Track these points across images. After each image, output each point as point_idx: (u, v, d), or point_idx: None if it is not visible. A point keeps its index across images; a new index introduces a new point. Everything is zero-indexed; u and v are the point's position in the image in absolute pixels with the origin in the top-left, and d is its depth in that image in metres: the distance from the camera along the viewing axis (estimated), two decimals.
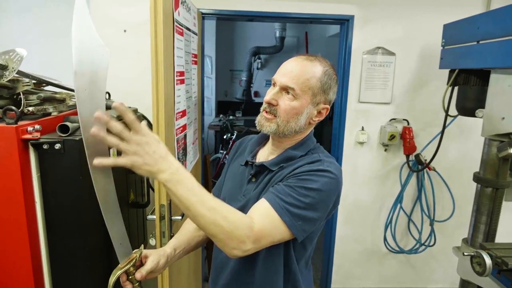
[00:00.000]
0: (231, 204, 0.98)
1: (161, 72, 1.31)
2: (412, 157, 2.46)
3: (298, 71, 0.95)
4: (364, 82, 2.38)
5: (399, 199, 2.53)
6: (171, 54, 1.45)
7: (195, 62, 2.00)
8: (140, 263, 0.94)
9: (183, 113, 1.68)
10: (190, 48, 1.83)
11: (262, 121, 0.98)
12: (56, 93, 1.32)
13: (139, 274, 0.90)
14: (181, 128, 1.65)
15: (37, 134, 1.12)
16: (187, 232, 1.13)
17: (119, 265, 0.88)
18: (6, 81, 1.13)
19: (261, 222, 0.85)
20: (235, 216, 0.82)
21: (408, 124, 2.44)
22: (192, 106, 1.90)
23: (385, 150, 2.48)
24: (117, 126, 0.70)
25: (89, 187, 1.21)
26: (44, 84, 1.46)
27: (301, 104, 0.95)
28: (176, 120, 1.55)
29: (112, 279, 0.85)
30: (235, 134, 4.18)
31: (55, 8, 2.22)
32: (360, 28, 2.31)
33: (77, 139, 1.15)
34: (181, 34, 1.59)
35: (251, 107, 5.81)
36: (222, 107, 5.98)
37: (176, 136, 1.56)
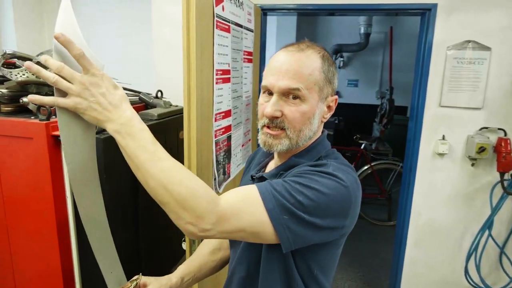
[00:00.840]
0: None
1: (193, 71, 1.24)
2: (508, 176, 2.00)
3: (297, 66, 0.76)
4: (448, 83, 2.00)
5: (487, 224, 2.08)
6: (210, 52, 1.37)
7: (249, 60, 1.91)
8: None
9: (227, 114, 1.59)
10: (241, 45, 1.74)
11: (269, 141, 0.79)
12: None
13: None
14: (223, 130, 1.57)
15: None
16: (199, 256, 1.03)
17: None
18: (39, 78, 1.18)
19: (232, 199, 0.70)
20: (196, 183, 0.66)
21: (505, 135, 1.99)
22: (241, 106, 1.82)
23: (472, 164, 2.06)
24: (55, 62, 0.62)
25: (113, 185, 1.22)
26: None
27: (311, 105, 0.77)
28: (216, 121, 1.47)
29: None
30: None
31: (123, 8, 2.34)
32: (445, 19, 1.94)
33: (102, 137, 1.15)
34: (226, 30, 1.51)
35: None
36: None
37: (216, 137, 1.49)
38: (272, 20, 5.47)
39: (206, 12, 1.30)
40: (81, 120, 0.67)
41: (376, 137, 4.63)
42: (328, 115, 0.84)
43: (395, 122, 4.62)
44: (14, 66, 1.22)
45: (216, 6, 1.38)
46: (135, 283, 0.84)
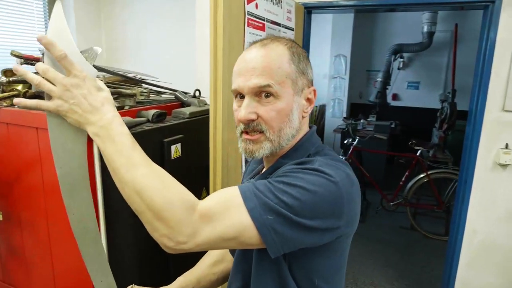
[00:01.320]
0: None
1: (220, 69, 1.24)
2: None
3: (264, 62, 0.71)
4: None
5: None
6: (240, 50, 1.35)
7: None
8: None
9: None
10: None
11: (250, 147, 0.73)
12: (128, 88, 1.39)
13: None
14: None
15: None
16: (199, 268, 0.99)
17: None
18: None
19: (209, 203, 0.65)
20: (172, 191, 0.63)
21: None
22: None
23: None
24: (41, 65, 0.63)
25: None
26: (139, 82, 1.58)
27: (287, 101, 0.72)
28: None
29: None
30: (356, 139, 3.81)
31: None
32: (510, 14, 1.71)
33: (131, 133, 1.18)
34: (260, 28, 1.48)
35: (386, 111, 5.25)
36: (356, 110, 5.61)
37: None
38: (326, 20, 5.34)
39: (235, 10, 1.28)
40: (70, 124, 0.68)
41: (434, 143, 4.27)
42: (309, 109, 0.78)
43: (457, 128, 4.23)
44: (37, 61, 1.30)
45: (248, 4, 1.36)
46: None
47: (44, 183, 1.32)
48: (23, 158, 1.33)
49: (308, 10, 2.10)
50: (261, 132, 0.72)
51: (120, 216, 1.25)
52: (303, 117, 0.77)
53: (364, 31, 5.48)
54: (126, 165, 0.63)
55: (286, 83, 0.72)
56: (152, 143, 1.30)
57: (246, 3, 1.34)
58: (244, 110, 0.72)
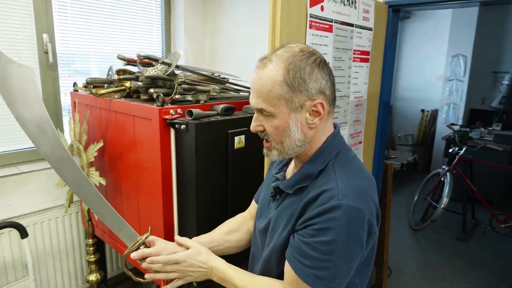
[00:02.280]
0: (259, 220, 0.99)
1: None
2: None
3: (258, 85, 0.81)
4: None
5: None
6: None
7: (363, 60, 1.84)
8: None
9: None
10: (351, 44, 1.71)
11: (265, 151, 0.89)
12: (202, 85, 1.62)
13: (135, 254, 0.95)
14: None
15: (177, 116, 1.45)
16: (214, 232, 1.13)
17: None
18: (167, 75, 1.51)
19: None
20: None
21: None
22: (346, 106, 1.79)
23: None
24: (156, 266, 0.93)
25: (202, 163, 1.44)
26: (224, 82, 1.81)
27: (282, 119, 0.81)
28: None
29: (123, 261, 1.01)
30: (464, 148, 3.40)
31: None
32: None
33: (195, 123, 1.39)
34: (326, 29, 1.54)
35: None
36: (476, 116, 4.95)
37: None
38: (442, 16, 4.86)
39: (295, 13, 1.37)
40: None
41: None
42: (316, 120, 0.82)
43: None
44: (151, 65, 1.61)
45: (311, 6, 1.43)
46: (145, 236, 0.99)
47: (136, 162, 1.64)
48: (125, 140, 1.68)
49: (395, 9, 2.03)
50: (270, 140, 0.86)
51: (189, 193, 1.48)
52: (310, 128, 0.83)
53: (492, 27, 4.80)
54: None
55: (279, 104, 0.79)
56: (218, 133, 1.49)
57: (308, 6, 1.42)
58: (253, 123, 0.86)
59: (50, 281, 2.16)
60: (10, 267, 1.96)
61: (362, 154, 2.03)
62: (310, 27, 1.45)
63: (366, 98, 1.95)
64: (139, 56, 1.55)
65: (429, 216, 3.52)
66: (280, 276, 0.88)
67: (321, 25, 1.50)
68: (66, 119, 2.22)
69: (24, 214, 2.02)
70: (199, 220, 1.47)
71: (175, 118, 1.44)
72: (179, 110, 1.46)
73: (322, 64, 0.81)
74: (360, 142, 1.99)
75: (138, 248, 0.98)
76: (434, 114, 5.35)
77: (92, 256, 1.96)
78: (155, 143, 1.46)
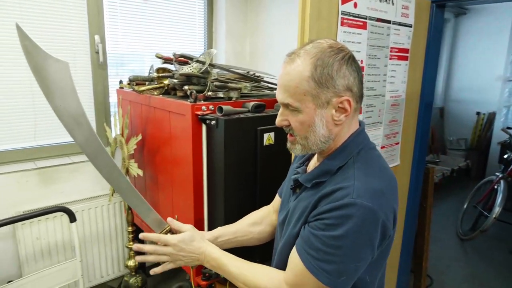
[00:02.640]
0: (280, 213, 1.01)
1: None
2: None
3: (285, 80, 0.81)
4: None
5: None
6: None
7: (401, 57, 1.78)
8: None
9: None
10: (387, 41, 1.67)
11: (289, 145, 0.90)
12: (234, 83, 1.66)
13: (142, 235, 1.00)
14: None
15: (208, 112, 1.51)
16: (238, 224, 1.16)
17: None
18: (200, 73, 1.58)
19: (295, 282, 0.83)
20: (263, 281, 0.87)
21: None
22: (382, 105, 1.73)
23: None
24: (150, 248, 0.96)
25: (230, 158, 1.49)
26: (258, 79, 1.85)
27: (308, 114, 0.81)
28: None
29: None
30: None
31: None
32: None
33: (226, 119, 1.43)
34: (359, 27, 1.51)
35: None
36: None
37: None
38: (502, 10, 4.50)
39: (326, 11, 1.37)
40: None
41: None
42: (342, 116, 0.81)
43: None
44: (187, 63, 1.68)
45: (343, 4, 1.42)
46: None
47: (171, 155, 1.72)
48: (162, 134, 1.78)
49: (439, 4, 1.93)
50: (295, 135, 0.86)
51: (218, 187, 1.53)
52: (336, 125, 0.82)
53: None
54: (227, 275, 0.94)
55: (305, 99, 0.79)
56: (248, 130, 1.52)
57: (340, 3, 1.40)
58: (278, 117, 0.86)
59: (95, 264, 2.33)
60: (60, 248, 2.16)
61: (400, 156, 1.96)
62: (342, 24, 1.44)
63: (405, 97, 1.88)
64: (175, 54, 1.63)
65: (479, 226, 3.28)
66: None
67: (353, 22, 1.48)
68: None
69: (75, 201, 2.21)
70: (227, 212, 1.52)
71: (206, 114, 1.50)
72: (210, 107, 1.52)
73: (350, 60, 0.81)
74: (397, 143, 1.92)
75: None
76: (491, 117, 4.96)
77: (131, 243, 2.09)
78: (188, 137, 1.53)
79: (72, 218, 1.98)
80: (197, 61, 1.61)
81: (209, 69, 1.63)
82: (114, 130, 2.02)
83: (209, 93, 1.55)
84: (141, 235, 0.97)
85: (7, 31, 1.93)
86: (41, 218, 2.05)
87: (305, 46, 0.82)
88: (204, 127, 1.53)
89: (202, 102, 1.54)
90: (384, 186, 0.80)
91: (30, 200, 2.08)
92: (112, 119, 2.26)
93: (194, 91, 1.50)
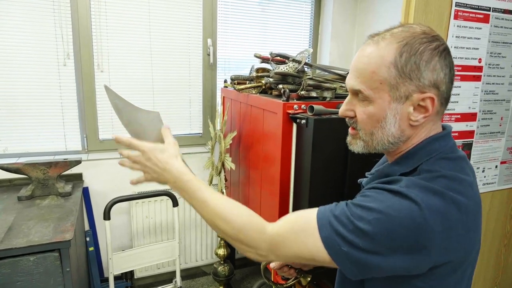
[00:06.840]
0: None
1: None
2: None
3: (361, 64, 0.68)
4: None
5: None
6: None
7: None
8: None
9: (465, 117, 1.39)
10: None
11: (349, 139, 0.76)
12: (329, 83, 1.61)
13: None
14: (456, 134, 1.39)
15: (300, 111, 1.50)
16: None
17: None
18: (295, 72, 1.58)
19: (281, 227, 0.72)
20: (241, 218, 0.74)
21: None
22: (505, 113, 1.47)
23: None
24: (123, 152, 0.84)
25: (318, 157, 1.45)
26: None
27: (380, 107, 0.67)
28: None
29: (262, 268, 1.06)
30: None
31: None
32: None
33: (316, 118, 1.40)
34: (479, 20, 1.31)
35: None
36: None
37: None
38: None
39: (435, 3, 1.23)
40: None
41: None
42: (420, 117, 0.67)
43: None
44: (284, 63, 1.71)
45: None
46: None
47: (262, 152, 1.77)
48: (256, 131, 1.84)
49: None
50: (357, 130, 0.73)
51: (303, 186, 1.52)
52: (410, 125, 0.69)
53: None
54: (200, 206, 0.78)
55: (381, 89, 0.67)
56: (338, 130, 1.46)
57: None
58: (343, 106, 0.74)
59: (191, 248, 2.55)
60: (164, 228, 2.42)
61: None
62: (456, 17, 1.27)
63: None
64: (271, 54, 1.67)
65: None
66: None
67: (471, 14, 1.29)
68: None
69: None
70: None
71: (298, 113, 1.49)
72: (303, 106, 1.51)
73: (445, 53, 0.66)
74: None
75: None
76: None
77: None
78: (278, 136, 1.55)
79: (175, 202, 2.20)
80: (293, 60, 1.61)
81: (305, 68, 1.63)
82: (217, 126, 2.17)
83: (302, 92, 1.54)
84: (114, 135, 0.81)
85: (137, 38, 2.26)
86: (150, 200, 2.33)
87: (393, 29, 0.69)
88: (294, 126, 1.52)
89: (295, 101, 1.54)
90: (444, 204, 0.62)
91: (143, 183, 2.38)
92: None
93: (287, 90, 1.51)
